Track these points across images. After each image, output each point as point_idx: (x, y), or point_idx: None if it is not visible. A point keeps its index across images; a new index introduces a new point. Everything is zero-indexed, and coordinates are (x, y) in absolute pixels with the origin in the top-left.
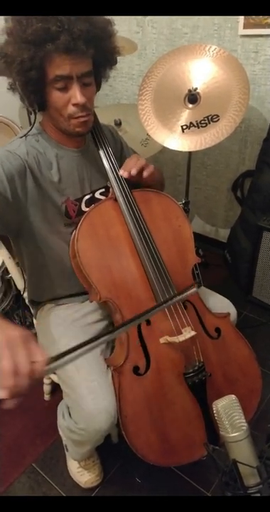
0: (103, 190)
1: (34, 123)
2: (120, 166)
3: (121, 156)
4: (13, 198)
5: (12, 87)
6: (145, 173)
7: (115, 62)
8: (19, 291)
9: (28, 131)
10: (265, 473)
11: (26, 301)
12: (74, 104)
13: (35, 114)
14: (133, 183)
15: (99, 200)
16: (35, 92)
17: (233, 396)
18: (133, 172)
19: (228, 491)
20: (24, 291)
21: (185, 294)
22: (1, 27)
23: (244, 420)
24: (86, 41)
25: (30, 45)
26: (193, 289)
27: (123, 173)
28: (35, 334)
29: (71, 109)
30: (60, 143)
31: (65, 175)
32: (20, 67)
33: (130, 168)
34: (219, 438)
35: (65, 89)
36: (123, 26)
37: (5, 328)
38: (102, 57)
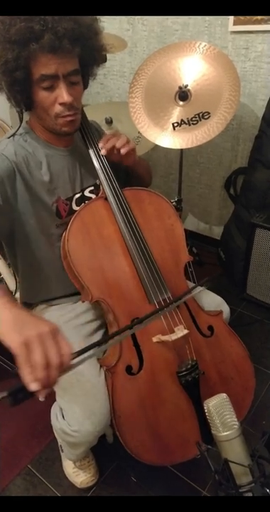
0: (92, 188)
1: (21, 123)
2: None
3: None
4: (3, 201)
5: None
6: (122, 151)
7: (103, 60)
8: (11, 292)
9: (16, 131)
10: (257, 471)
11: (18, 302)
12: (61, 104)
13: (22, 113)
14: (114, 164)
15: (89, 198)
16: (21, 92)
17: (224, 395)
18: (108, 146)
19: (221, 491)
20: (16, 291)
21: (192, 294)
22: None
23: (236, 419)
24: (71, 40)
25: (14, 45)
26: (201, 288)
27: (101, 147)
28: None
29: (58, 108)
30: (48, 142)
31: (55, 174)
32: (5, 67)
33: (107, 142)
34: (213, 437)
35: (51, 88)
36: (114, 24)
37: (36, 323)
38: (89, 56)
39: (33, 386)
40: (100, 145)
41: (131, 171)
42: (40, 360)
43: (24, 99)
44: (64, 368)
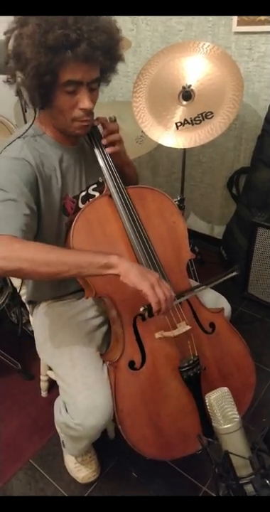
0: (95, 185)
1: (33, 121)
2: None
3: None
4: (36, 206)
5: (9, 81)
6: (107, 147)
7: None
8: (15, 288)
9: (26, 131)
10: (257, 464)
11: (23, 298)
12: (81, 109)
13: (35, 112)
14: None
15: (93, 196)
16: (43, 94)
17: (225, 388)
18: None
19: (221, 482)
20: (20, 288)
21: (226, 277)
22: (4, 28)
23: (236, 412)
24: (103, 52)
25: (49, 51)
26: (234, 273)
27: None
28: (32, 331)
29: (77, 112)
30: (57, 141)
31: (64, 173)
32: (36, 70)
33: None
34: (214, 431)
35: (73, 93)
36: (118, 23)
37: (152, 273)
38: (110, 65)
39: (160, 314)
40: (104, 141)
41: (119, 169)
42: (162, 296)
43: (43, 101)
44: (172, 300)
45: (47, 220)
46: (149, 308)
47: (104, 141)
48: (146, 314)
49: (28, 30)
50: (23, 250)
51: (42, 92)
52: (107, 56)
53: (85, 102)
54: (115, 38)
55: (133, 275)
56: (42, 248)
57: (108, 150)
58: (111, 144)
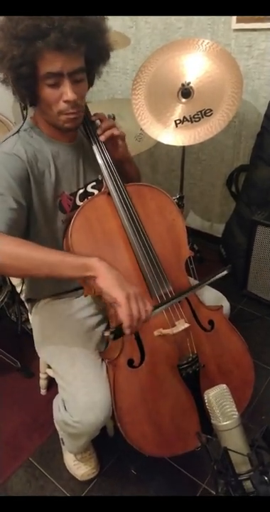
0: (94, 183)
1: (26, 118)
2: None
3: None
4: (25, 201)
5: (5, 81)
6: (102, 137)
7: (108, 58)
8: (14, 286)
9: (20, 127)
10: (256, 460)
11: (21, 296)
12: (65, 101)
13: (27, 108)
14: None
15: (92, 193)
16: (26, 88)
17: (224, 385)
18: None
19: (220, 479)
20: (21, 288)
21: (218, 276)
22: None
23: (235, 409)
24: (77, 38)
25: (21, 42)
26: (224, 272)
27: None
28: (31, 329)
29: (62, 105)
30: (53, 137)
31: (60, 170)
32: (11, 63)
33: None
34: (213, 428)
35: (56, 85)
36: (117, 21)
37: (131, 284)
38: (95, 54)
39: (127, 331)
40: (98, 131)
41: (120, 165)
42: (135, 312)
43: (29, 95)
44: (146, 320)
45: (42, 216)
46: (117, 329)
47: (101, 138)
48: (111, 336)
49: (0, 24)
50: (3, 245)
51: (23, 84)
52: (83, 43)
53: (68, 94)
54: (92, 24)
55: (109, 280)
56: (24, 244)
57: (102, 137)
58: (108, 138)
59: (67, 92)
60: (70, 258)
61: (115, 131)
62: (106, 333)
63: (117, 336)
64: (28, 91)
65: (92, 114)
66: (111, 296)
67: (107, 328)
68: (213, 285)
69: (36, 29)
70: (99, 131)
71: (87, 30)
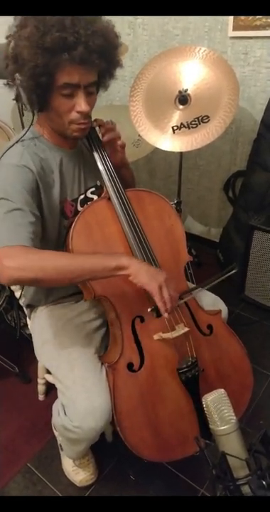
0: (93, 189)
1: (31, 125)
2: None
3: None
4: (39, 211)
5: (9, 84)
6: (104, 136)
7: (115, 72)
8: (12, 291)
9: (24, 134)
10: (254, 465)
11: (20, 301)
12: (78, 112)
13: (33, 114)
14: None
15: (91, 199)
16: (40, 96)
17: (222, 390)
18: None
19: (218, 484)
20: (21, 293)
21: (228, 274)
22: (3, 30)
23: (233, 414)
24: (100, 55)
25: (46, 52)
26: (234, 270)
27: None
28: (30, 335)
29: (74, 115)
30: (56, 144)
31: (64, 176)
32: (33, 71)
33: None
34: (211, 433)
35: (70, 96)
36: (115, 28)
37: (161, 273)
38: (108, 69)
39: (165, 315)
40: (105, 138)
41: (117, 171)
42: (168, 297)
43: (41, 103)
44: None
45: (49, 223)
46: (156, 308)
47: (105, 138)
48: (154, 314)
49: (26, 32)
50: (38, 260)
51: (39, 93)
52: (103, 60)
53: (82, 105)
54: (112, 43)
55: (143, 276)
56: (56, 256)
57: (105, 138)
58: (111, 141)
59: (82, 103)
60: (103, 261)
61: (117, 134)
62: (149, 310)
63: (158, 315)
64: (41, 99)
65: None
66: (145, 289)
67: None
68: (211, 289)
69: (63, 42)
70: (102, 131)
71: (108, 48)
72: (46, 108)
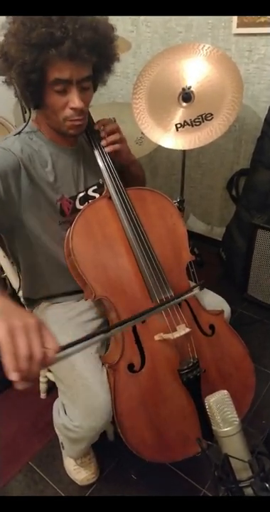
0: (95, 187)
1: (28, 120)
2: None
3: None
4: (5, 195)
5: (7, 82)
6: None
7: (113, 66)
8: (14, 290)
9: (22, 129)
10: (257, 467)
11: (21, 300)
12: (72, 108)
13: (30, 112)
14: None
15: (93, 197)
16: (33, 93)
17: (225, 391)
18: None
19: (221, 485)
20: (19, 290)
21: (187, 295)
22: (0, 26)
23: (236, 415)
24: (89, 49)
25: (33, 49)
26: (195, 291)
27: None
28: None
29: (68, 112)
30: (54, 141)
31: (60, 173)
32: (22, 68)
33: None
34: (213, 434)
35: (63, 92)
36: (118, 25)
37: (22, 314)
38: (102, 63)
39: (13, 376)
40: (103, 142)
41: (125, 169)
42: (23, 350)
43: (35, 100)
44: (47, 362)
45: (38, 217)
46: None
47: (103, 143)
48: None
49: (13, 28)
50: None
51: (31, 90)
52: (94, 54)
53: (75, 102)
54: (103, 35)
55: None
56: None
57: (107, 149)
58: (111, 144)
59: (75, 99)
60: None
61: (117, 137)
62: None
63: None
64: (34, 96)
65: (95, 120)
66: None
67: None
68: (213, 289)
69: (50, 37)
70: (102, 135)
71: (99, 40)
72: (41, 105)
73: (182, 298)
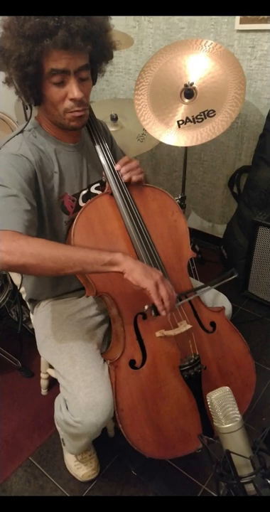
0: (98, 184)
1: (30, 118)
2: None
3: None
4: (37, 202)
5: (8, 81)
6: (134, 178)
7: (111, 56)
8: (16, 286)
9: (24, 127)
10: (258, 463)
11: (23, 296)
12: (71, 99)
13: (31, 108)
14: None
15: (95, 194)
16: (31, 87)
17: (227, 388)
18: (134, 179)
19: (222, 481)
20: (20, 286)
21: (224, 281)
22: None
23: (238, 411)
24: (83, 37)
25: (28, 40)
26: (234, 276)
27: (119, 168)
28: (33, 329)
29: (68, 103)
30: (56, 138)
31: (63, 170)
32: (18, 61)
33: (130, 170)
34: (214, 431)
35: (61, 84)
36: (120, 21)
37: (156, 271)
38: (99, 52)
39: (163, 313)
40: (120, 169)
41: None
42: (165, 294)
43: (34, 94)
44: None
45: (47, 216)
46: (154, 306)
47: (126, 178)
48: (152, 313)
49: (6, 22)
50: (28, 245)
51: (29, 84)
52: (89, 42)
53: (74, 92)
54: (97, 23)
55: (138, 273)
56: (47, 244)
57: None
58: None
59: (73, 90)
60: (95, 254)
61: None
62: (146, 307)
63: (157, 314)
64: (33, 90)
65: (96, 115)
66: (141, 287)
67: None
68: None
69: (43, 28)
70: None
71: (93, 29)
72: (41, 100)
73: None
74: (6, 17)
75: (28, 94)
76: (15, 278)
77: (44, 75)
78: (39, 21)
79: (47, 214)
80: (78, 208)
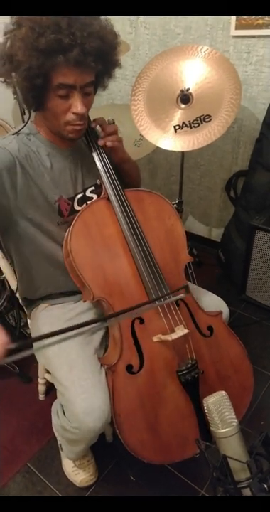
0: (93, 188)
1: (28, 121)
2: None
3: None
4: (12, 195)
5: (7, 82)
6: (108, 144)
7: (114, 72)
8: (13, 291)
9: (21, 129)
10: (255, 468)
11: (20, 301)
12: (74, 113)
13: (30, 113)
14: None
15: (90, 198)
16: (35, 97)
17: (223, 392)
18: (109, 145)
19: (219, 486)
20: (17, 290)
21: (175, 298)
22: (1, 29)
23: (234, 416)
24: (96, 57)
25: (40, 54)
26: (181, 295)
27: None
28: (30, 334)
29: (70, 116)
30: (52, 142)
31: (58, 174)
32: (27, 73)
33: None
34: (212, 435)
35: (66, 97)
36: (117, 27)
37: None
38: (105, 69)
39: None
40: (100, 142)
41: (118, 166)
42: None
43: (36, 103)
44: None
45: (35, 218)
46: None
47: (100, 142)
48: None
49: (20, 33)
50: None
51: (34, 94)
52: (100, 61)
53: (78, 107)
54: (109, 44)
55: None
56: None
57: (108, 144)
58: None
59: (78, 105)
60: None
61: (116, 138)
62: None
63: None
64: (36, 100)
65: (92, 119)
66: None
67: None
68: (212, 290)
69: (58, 44)
70: (102, 136)
71: (105, 49)
72: (42, 108)
73: (172, 299)
74: (23, 29)
75: (30, 102)
76: (13, 282)
77: (50, 87)
78: (55, 37)
79: (35, 213)
80: (73, 211)
